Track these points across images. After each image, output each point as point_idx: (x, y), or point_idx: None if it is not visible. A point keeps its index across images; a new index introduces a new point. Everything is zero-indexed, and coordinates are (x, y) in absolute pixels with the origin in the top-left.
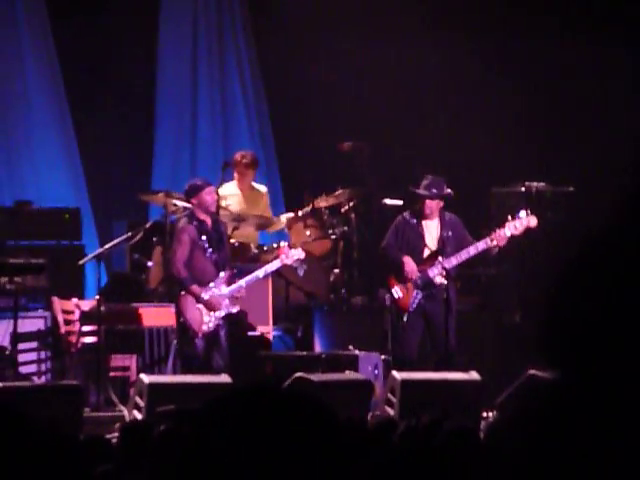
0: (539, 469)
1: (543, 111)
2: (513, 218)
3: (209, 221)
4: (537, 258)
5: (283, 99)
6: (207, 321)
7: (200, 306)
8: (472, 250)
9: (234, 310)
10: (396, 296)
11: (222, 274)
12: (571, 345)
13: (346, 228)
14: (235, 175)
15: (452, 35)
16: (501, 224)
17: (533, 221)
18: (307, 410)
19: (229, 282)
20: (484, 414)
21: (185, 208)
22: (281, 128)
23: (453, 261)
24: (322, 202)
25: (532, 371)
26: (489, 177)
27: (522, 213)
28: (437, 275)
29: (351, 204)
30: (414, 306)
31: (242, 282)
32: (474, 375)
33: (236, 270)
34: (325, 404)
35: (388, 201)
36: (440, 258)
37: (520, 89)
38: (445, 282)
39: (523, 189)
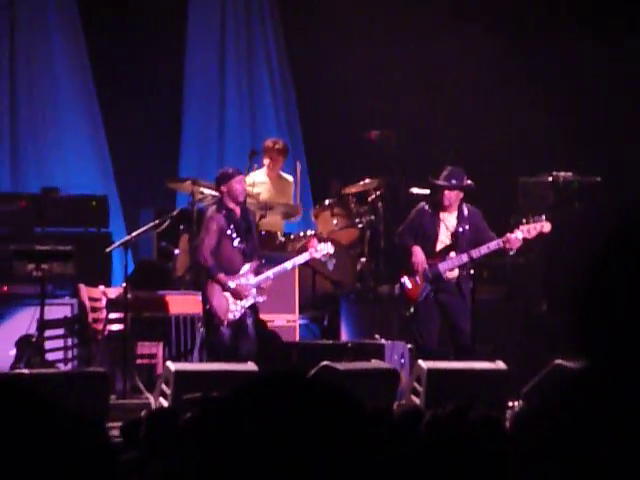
0: (565, 459)
1: (570, 101)
2: (528, 222)
3: (238, 210)
4: (564, 248)
5: (311, 87)
6: (233, 309)
7: (227, 294)
8: (484, 249)
9: (261, 300)
10: (405, 286)
11: (249, 264)
12: (601, 335)
13: (373, 217)
14: (265, 162)
15: (479, 26)
16: (515, 227)
17: (547, 227)
18: (333, 399)
19: (257, 272)
20: (510, 404)
21: (213, 196)
22: (308, 116)
23: (464, 258)
24: (349, 191)
25: (558, 361)
26: (517, 167)
27: (538, 218)
28: (447, 270)
29: (378, 193)
30: (422, 298)
31: (269, 273)
32: (500, 364)
33: (264, 260)
34: (351, 393)
35: (415, 190)
36: (453, 253)
37: (547, 79)
38: (455, 275)
39: (550, 179)
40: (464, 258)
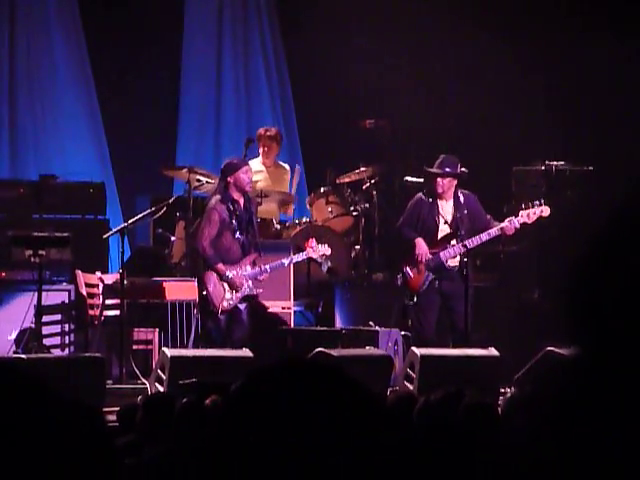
0: (556, 446)
1: (563, 91)
2: (527, 207)
3: (242, 201)
4: (556, 236)
5: (306, 77)
6: (228, 298)
7: (224, 283)
8: (484, 236)
9: (255, 292)
10: (408, 276)
11: (248, 256)
12: (594, 322)
13: (367, 205)
14: (260, 150)
15: (473, 17)
16: (515, 213)
17: (546, 211)
18: (338, 384)
19: (254, 264)
20: (502, 390)
21: (208, 183)
22: (303, 106)
23: (466, 245)
24: (344, 179)
25: (550, 347)
26: (510, 156)
27: (537, 202)
28: (449, 258)
29: (373, 181)
30: (424, 287)
31: (267, 267)
32: (493, 351)
33: (261, 254)
34: (351, 377)
35: (409, 178)
36: (454, 241)
37: (540, 69)
38: (457, 263)
39: (543, 168)
40: (466, 245)
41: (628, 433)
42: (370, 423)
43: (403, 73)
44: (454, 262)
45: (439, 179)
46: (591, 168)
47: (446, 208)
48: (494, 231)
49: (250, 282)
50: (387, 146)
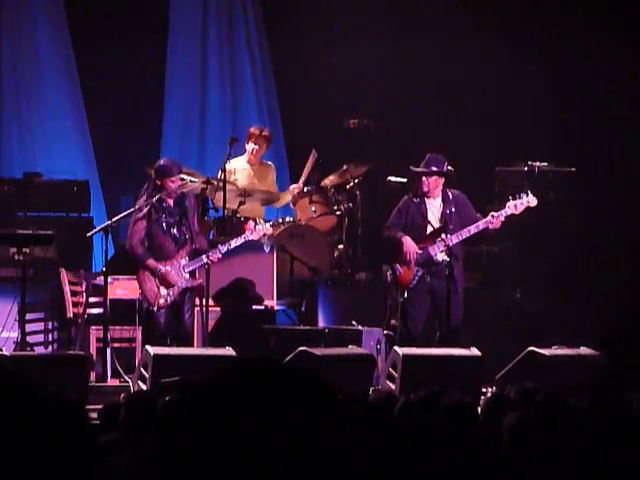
0: (537, 444)
1: (547, 92)
2: (514, 198)
3: (170, 200)
4: (538, 237)
5: (291, 76)
6: (164, 294)
7: (157, 279)
8: (473, 229)
9: (194, 284)
10: (397, 272)
11: (182, 249)
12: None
13: (351, 204)
14: (249, 148)
15: (455, 18)
16: (502, 205)
17: (533, 202)
18: (307, 384)
19: (190, 257)
20: (484, 389)
21: (192, 182)
22: (288, 105)
23: (454, 239)
24: (328, 179)
25: (532, 348)
26: (493, 156)
27: (524, 194)
28: (438, 252)
29: (356, 181)
30: (414, 283)
31: (203, 257)
32: (475, 351)
33: (196, 246)
34: (324, 379)
35: (393, 178)
36: (443, 235)
37: (524, 70)
38: (447, 259)
39: (526, 169)
40: (454, 239)
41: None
42: (328, 418)
43: (387, 73)
44: (443, 256)
45: (424, 178)
46: (574, 169)
47: (434, 205)
48: (481, 223)
49: (187, 275)
50: (371, 146)
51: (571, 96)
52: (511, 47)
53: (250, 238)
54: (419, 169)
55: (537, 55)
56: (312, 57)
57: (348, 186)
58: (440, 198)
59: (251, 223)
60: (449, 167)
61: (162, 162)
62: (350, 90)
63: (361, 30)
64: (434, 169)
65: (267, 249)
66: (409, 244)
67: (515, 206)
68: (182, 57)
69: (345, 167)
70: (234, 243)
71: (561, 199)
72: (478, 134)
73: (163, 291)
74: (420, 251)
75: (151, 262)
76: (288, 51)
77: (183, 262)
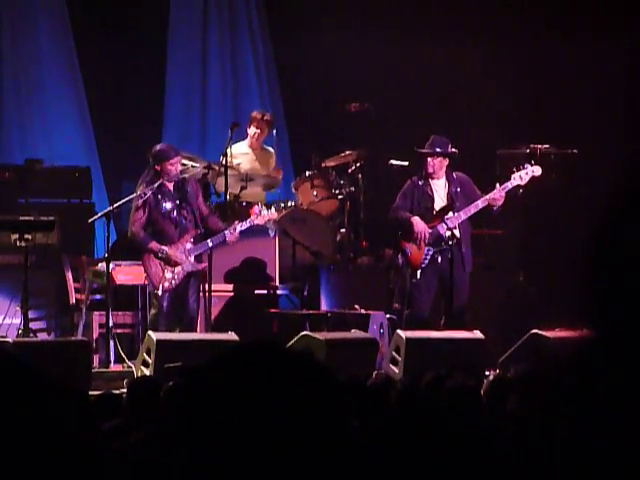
0: (539, 429)
1: (548, 75)
2: (518, 169)
3: (170, 185)
4: (541, 219)
5: (292, 61)
6: (169, 278)
7: (162, 262)
8: (481, 203)
9: (200, 268)
10: (408, 253)
11: (186, 234)
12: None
13: (353, 188)
14: (250, 132)
15: (456, 2)
16: (507, 178)
17: (538, 171)
18: (307, 367)
19: (195, 241)
20: (487, 372)
21: (193, 167)
22: (289, 90)
23: (462, 216)
24: (329, 163)
25: (535, 330)
26: (495, 139)
27: (527, 165)
28: (447, 230)
29: (358, 165)
30: (426, 262)
31: (208, 241)
32: (478, 334)
33: (201, 230)
34: (325, 363)
35: (394, 162)
36: (450, 213)
37: (525, 51)
38: (457, 236)
39: (528, 151)
40: (462, 215)
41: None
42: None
43: (387, 56)
44: (450, 233)
45: (429, 159)
46: (575, 151)
47: (439, 186)
48: (489, 195)
49: (192, 258)
50: (372, 129)
51: (574, 77)
52: (514, 28)
53: (256, 222)
54: (424, 150)
55: (542, 35)
56: (313, 42)
57: (350, 170)
58: (444, 178)
59: (256, 208)
60: (453, 149)
61: (158, 147)
62: (351, 74)
63: (362, 14)
64: (438, 150)
65: (272, 233)
66: (420, 224)
67: (520, 177)
68: (183, 42)
69: (347, 151)
70: (239, 227)
71: (563, 181)
72: (479, 117)
73: (168, 274)
74: (430, 230)
75: (154, 245)
76: (289, 35)
77: (188, 246)
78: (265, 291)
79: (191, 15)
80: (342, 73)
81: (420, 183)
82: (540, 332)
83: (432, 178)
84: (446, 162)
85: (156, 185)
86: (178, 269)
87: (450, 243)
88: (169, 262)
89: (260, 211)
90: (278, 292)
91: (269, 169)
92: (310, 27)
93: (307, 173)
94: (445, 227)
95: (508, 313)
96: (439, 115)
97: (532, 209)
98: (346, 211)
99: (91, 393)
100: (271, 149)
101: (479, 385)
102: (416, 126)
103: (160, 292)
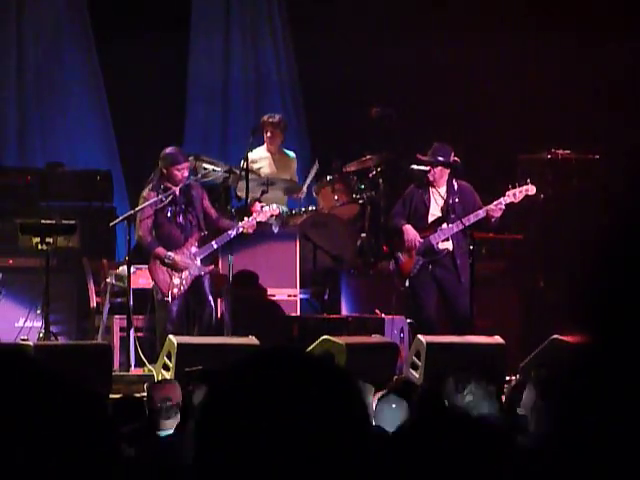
0: (563, 434)
1: (571, 79)
2: (514, 187)
3: (175, 188)
4: (561, 224)
5: (313, 64)
6: (177, 284)
7: (168, 268)
8: (472, 217)
9: (206, 271)
10: (399, 261)
11: (191, 237)
12: (602, 310)
13: (374, 193)
14: (265, 137)
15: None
16: (501, 194)
17: (532, 189)
18: (327, 373)
19: (200, 244)
20: (508, 378)
21: (214, 171)
22: (311, 93)
23: (454, 228)
24: (350, 167)
25: (555, 335)
26: (516, 144)
27: (523, 183)
28: (439, 241)
29: (379, 169)
30: (415, 271)
31: (213, 243)
32: (498, 339)
33: (205, 233)
34: (345, 368)
35: (415, 167)
36: (444, 225)
37: (549, 55)
38: (449, 248)
39: (549, 156)
40: (454, 228)
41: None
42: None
43: (409, 61)
44: (444, 245)
45: (430, 167)
46: (597, 157)
47: (438, 195)
48: (481, 212)
49: (198, 261)
50: (393, 134)
51: (597, 82)
52: (536, 31)
53: (258, 219)
54: (425, 159)
55: (565, 39)
56: (335, 45)
57: (371, 175)
58: (445, 188)
59: (257, 205)
60: (455, 158)
61: (167, 151)
62: (373, 77)
63: (384, 16)
64: (440, 159)
65: (275, 229)
66: (410, 232)
67: (514, 194)
68: (205, 45)
69: (368, 156)
70: (243, 225)
71: (584, 186)
72: (501, 122)
73: (176, 280)
74: (421, 240)
75: (160, 250)
76: (311, 39)
77: (193, 249)
78: (286, 295)
79: (213, 18)
80: (364, 77)
81: (419, 191)
82: (561, 337)
83: (432, 186)
84: (447, 171)
85: (168, 193)
86: (185, 274)
87: (442, 254)
88: (176, 268)
89: (262, 207)
90: (299, 296)
91: (290, 173)
92: (332, 29)
93: (328, 177)
94: (437, 238)
95: (529, 318)
96: (461, 120)
97: (552, 214)
98: (367, 216)
99: (111, 397)
100: (292, 154)
101: (500, 391)
102: (438, 131)
103: (170, 299)
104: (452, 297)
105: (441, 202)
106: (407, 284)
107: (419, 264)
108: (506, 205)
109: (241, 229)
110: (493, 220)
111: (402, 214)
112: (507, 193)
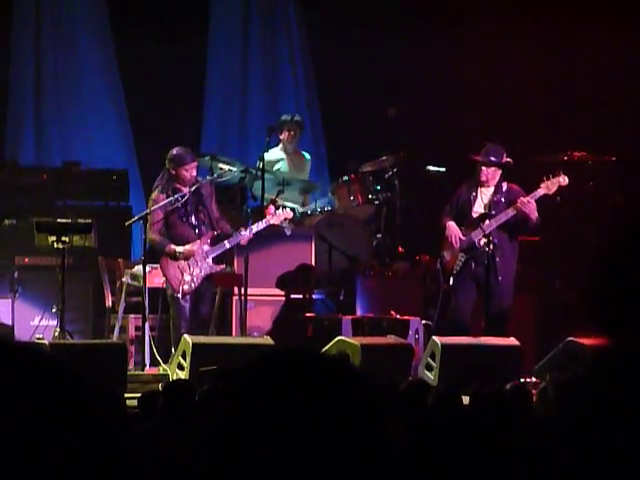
0: (577, 438)
1: (587, 82)
2: (548, 179)
3: (185, 188)
4: (578, 227)
5: (329, 65)
6: (188, 280)
7: (180, 265)
8: (510, 211)
9: (218, 269)
10: (444, 259)
11: (204, 236)
12: (618, 312)
13: (390, 194)
14: (283, 136)
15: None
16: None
17: (564, 180)
18: (342, 373)
19: (212, 243)
20: (523, 380)
21: (230, 171)
22: (327, 94)
23: (493, 224)
24: (366, 168)
25: (571, 338)
26: (532, 146)
27: (556, 174)
28: (481, 238)
29: (395, 170)
30: (457, 269)
31: (225, 242)
32: (513, 341)
33: (218, 232)
34: (359, 368)
35: (431, 167)
36: (487, 222)
37: (565, 58)
38: (490, 246)
39: (565, 158)
40: (493, 224)
41: None
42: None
43: (425, 62)
44: (485, 241)
45: (484, 167)
46: (613, 159)
47: (485, 194)
48: (511, 210)
49: (210, 260)
50: (409, 135)
51: (611, 84)
52: (550, 33)
53: (272, 222)
54: (478, 158)
55: (580, 41)
56: (351, 45)
57: (386, 175)
58: (493, 188)
59: (272, 208)
60: (507, 159)
61: (175, 151)
62: (389, 78)
63: (400, 17)
64: (493, 159)
65: (288, 232)
66: (452, 228)
67: (547, 186)
68: (223, 46)
69: (384, 157)
70: (256, 227)
71: (600, 189)
72: (516, 123)
73: (187, 277)
74: (463, 237)
75: (170, 247)
76: (327, 40)
77: (205, 248)
78: (301, 295)
79: (231, 21)
80: (380, 76)
81: (469, 189)
82: (576, 339)
83: (482, 186)
84: (499, 172)
85: (181, 194)
86: (197, 271)
87: (483, 251)
88: (188, 258)
89: (275, 211)
90: (314, 296)
91: (303, 174)
92: (348, 30)
93: (344, 178)
94: (479, 235)
95: (544, 320)
96: (477, 121)
97: (569, 216)
98: (383, 216)
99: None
100: (308, 155)
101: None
102: (454, 132)
103: (180, 295)
104: (485, 295)
105: (487, 201)
106: (451, 282)
107: (462, 261)
108: (540, 198)
109: (255, 229)
110: (530, 222)
111: (449, 213)
112: (541, 185)
